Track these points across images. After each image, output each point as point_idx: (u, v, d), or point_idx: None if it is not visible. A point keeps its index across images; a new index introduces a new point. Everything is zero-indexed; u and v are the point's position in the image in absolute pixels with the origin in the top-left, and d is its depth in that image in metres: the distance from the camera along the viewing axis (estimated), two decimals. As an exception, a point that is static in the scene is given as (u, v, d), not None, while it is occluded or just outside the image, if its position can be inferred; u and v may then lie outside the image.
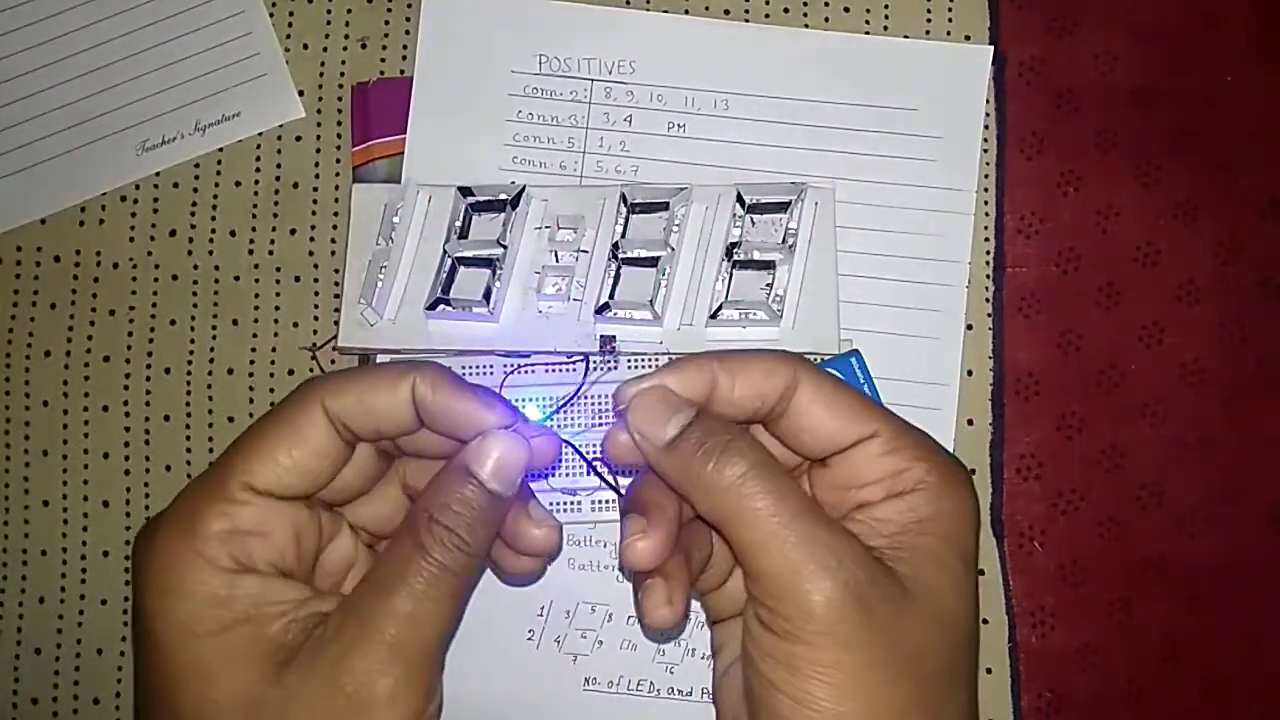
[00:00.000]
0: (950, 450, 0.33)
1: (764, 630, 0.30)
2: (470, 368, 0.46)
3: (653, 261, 0.45)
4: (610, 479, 0.45)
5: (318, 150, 0.48)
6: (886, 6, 0.48)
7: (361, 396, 0.31)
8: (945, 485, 0.32)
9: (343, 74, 0.49)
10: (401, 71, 0.48)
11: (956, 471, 0.32)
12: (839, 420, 0.32)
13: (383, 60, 0.49)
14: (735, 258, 0.45)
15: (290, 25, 0.49)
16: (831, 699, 0.28)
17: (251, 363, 0.48)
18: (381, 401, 0.31)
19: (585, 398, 0.46)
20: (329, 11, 0.49)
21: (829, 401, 0.32)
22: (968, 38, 0.48)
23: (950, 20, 0.48)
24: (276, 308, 0.48)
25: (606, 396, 0.46)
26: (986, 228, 0.47)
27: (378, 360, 0.46)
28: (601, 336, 0.45)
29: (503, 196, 0.45)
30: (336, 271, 0.47)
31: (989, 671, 0.45)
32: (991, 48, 0.48)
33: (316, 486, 0.31)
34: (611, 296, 0.44)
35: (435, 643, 0.29)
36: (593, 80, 0.48)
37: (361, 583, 0.30)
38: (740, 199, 0.45)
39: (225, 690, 0.28)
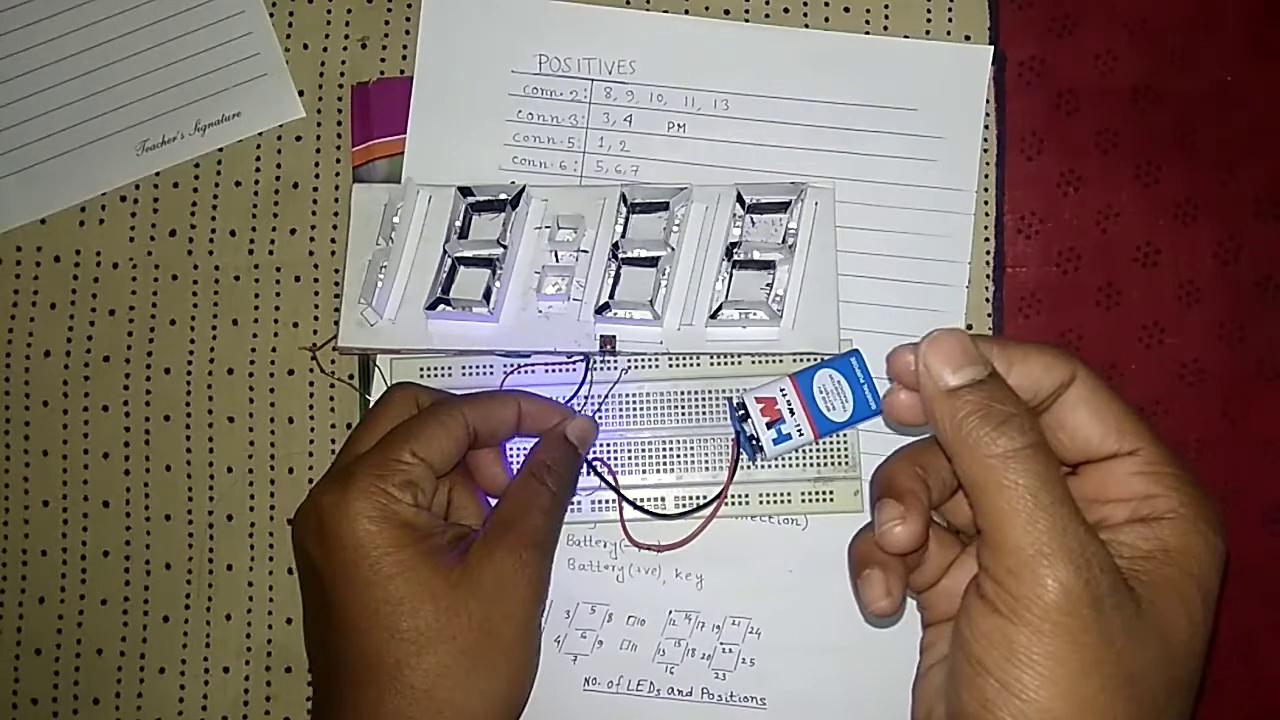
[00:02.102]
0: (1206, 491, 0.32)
1: (986, 609, 0.29)
2: (470, 368, 0.46)
3: (653, 261, 0.45)
4: (610, 479, 0.45)
5: (318, 150, 0.48)
6: (886, 6, 0.48)
7: (490, 410, 0.42)
8: (1198, 521, 0.30)
9: (343, 74, 0.49)
10: (401, 71, 0.48)
11: (1211, 510, 0.31)
12: (1103, 429, 0.32)
13: (383, 60, 0.49)
14: (735, 258, 0.45)
15: (290, 25, 0.49)
16: (1044, 693, 0.27)
17: (251, 363, 0.48)
18: (501, 414, 0.42)
19: (585, 398, 0.46)
20: (329, 11, 0.49)
21: (1098, 407, 0.32)
22: (968, 38, 0.48)
23: (950, 20, 0.48)
24: (276, 308, 0.48)
25: (607, 397, 0.46)
26: (986, 228, 0.47)
27: (378, 360, 0.46)
28: (601, 336, 0.45)
29: (503, 196, 0.45)
30: (336, 271, 0.47)
31: (989, 671, 0.45)
32: (991, 48, 0.48)
33: (448, 466, 0.40)
34: (611, 296, 0.44)
35: (551, 544, 0.41)
36: (593, 80, 0.48)
37: (497, 509, 0.41)
38: (740, 199, 0.45)
39: (420, 583, 0.37)
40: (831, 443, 0.45)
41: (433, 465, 0.39)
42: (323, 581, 0.38)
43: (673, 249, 0.45)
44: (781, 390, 0.44)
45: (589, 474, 0.45)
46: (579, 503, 0.45)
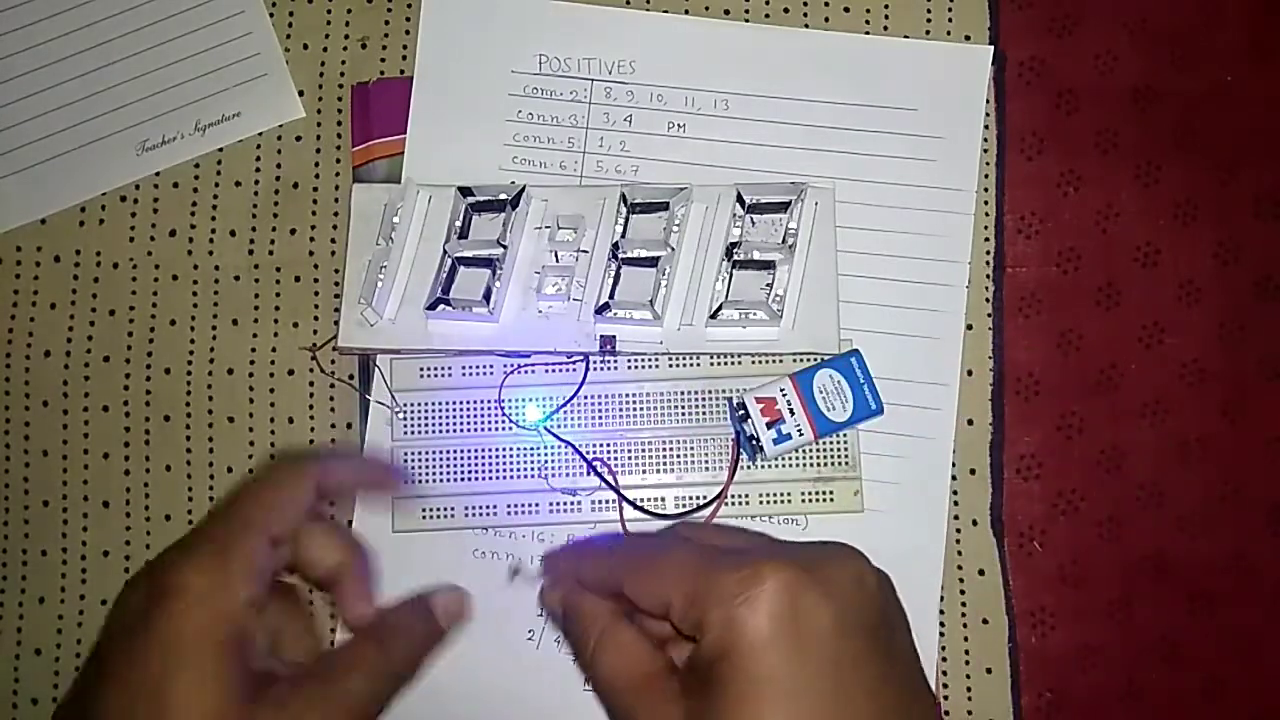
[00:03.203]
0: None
1: None
2: (470, 368, 0.46)
3: (653, 261, 0.45)
4: (610, 479, 0.45)
5: (318, 150, 0.48)
6: (886, 6, 0.48)
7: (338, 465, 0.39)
8: (726, 626, 0.31)
9: (343, 74, 0.49)
10: (401, 71, 0.48)
11: (737, 602, 0.31)
12: (647, 606, 0.34)
13: (383, 60, 0.49)
14: (735, 258, 0.45)
15: (290, 25, 0.49)
16: None
17: (251, 363, 0.48)
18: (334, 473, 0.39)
19: (585, 398, 0.46)
20: (329, 11, 0.49)
21: (639, 597, 0.34)
22: (968, 38, 0.48)
23: (950, 20, 0.48)
24: (276, 308, 0.48)
25: (606, 396, 0.46)
26: (986, 228, 0.47)
27: (377, 360, 0.46)
28: (601, 336, 0.45)
29: (503, 196, 0.45)
30: (336, 271, 0.47)
31: (989, 671, 0.45)
32: (991, 48, 0.48)
33: (287, 528, 0.36)
34: (611, 296, 0.44)
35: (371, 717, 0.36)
36: (593, 80, 0.48)
37: (323, 656, 0.37)
38: (740, 199, 0.45)
39: (204, 709, 0.31)
40: (831, 443, 0.45)
41: (277, 538, 0.35)
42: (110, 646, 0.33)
43: (673, 249, 0.45)
44: (781, 390, 0.44)
45: (589, 474, 0.45)
46: (579, 503, 0.45)
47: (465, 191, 0.46)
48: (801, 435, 0.44)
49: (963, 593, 0.45)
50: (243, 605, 0.33)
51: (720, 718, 0.30)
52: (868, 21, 0.48)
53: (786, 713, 0.30)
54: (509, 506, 0.45)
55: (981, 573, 0.46)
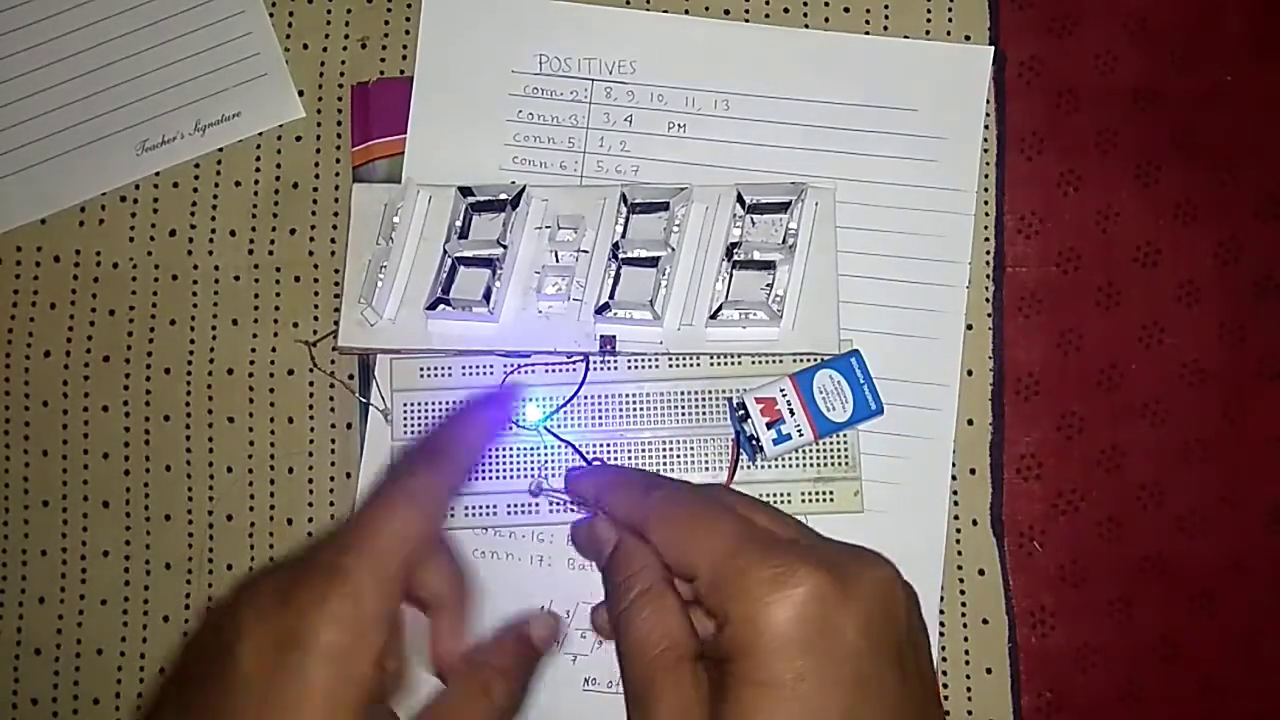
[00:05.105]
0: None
1: None
2: (470, 368, 0.46)
3: (653, 261, 0.45)
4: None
5: (318, 150, 0.48)
6: (886, 6, 0.48)
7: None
8: (754, 622, 0.30)
9: (343, 74, 0.49)
10: (401, 71, 0.48)
11: (769, 600, 0.30)
12: (670, 559, 0.33)
13: (383, 60, 0.49)
14: (735, 258, 0.45)
15: (290, 25, 0.49)
16: None
17: (251, 363, 0.48)
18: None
19: (585, 398, 0.46)
20: (329, 11, 0.49)
21: (665, 543, 0.33)
22: (968, 38, 0.48)
23: (950, 20, 0.48)
24: (276, 308, 0.48)
25: (607, 397, 0.46)
26: (986, 228, 0.47)
27: (377, 360, 0.46)
28: (601, 336, 0.45)
29: (503, 196, 0.45)
30: (336, 271, 0.47)
31: (989, 672, 0.45)
32: (991, 48, 0.48)
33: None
34: (611, 296, 0.44)
35: None
36: (593, 80, 0.48)
37: (422, 713, 0.33)
38: (740, 199, 0.45)
39: None
40: (831, 443, 0.45)
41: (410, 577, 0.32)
42: (221, 681, 0.29)
43: (673, 249, 0.45)
44: (781, 390, 0.44)
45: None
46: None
47: (465, 191, 0.46)
48: (801, 435, 0.44)
49: (963, 593, 0.45)
50: (376, 664, 0.29)
51: (733, 718, 0.29)
52: (868, 21, 0.48)
53: (829, 709, 0.29)
54: (509, 506, 0.45)
55: (981, 573, 0.46)
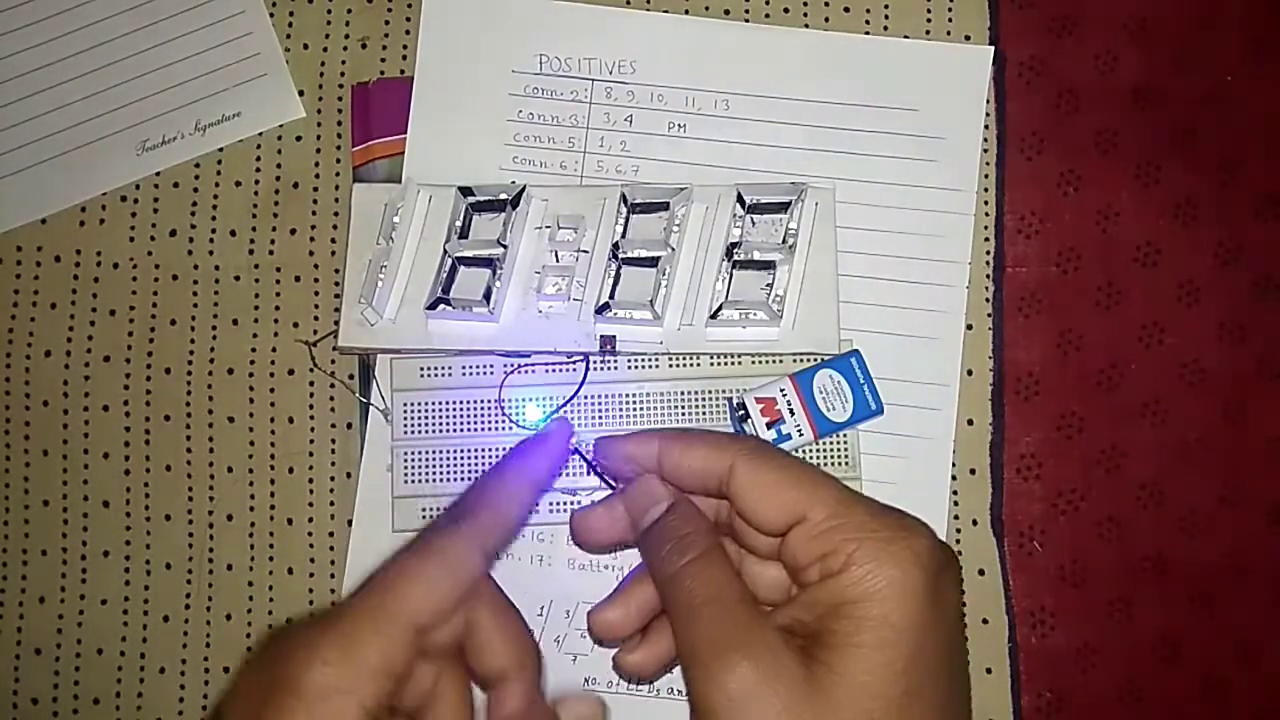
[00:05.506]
0: (910, 515, 0.32)
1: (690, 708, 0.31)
2: (470, 368, 0.46)
3: (653, 261, 0.45)
4: (610, 479, 0.45)
5: (318, 150, 0.48)
6: (886, 6, 0.48)
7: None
8: (879, 564, 0.30)
9: (343, 74, 0.49)
10: (401, 71, 0.48)
11: (900, 545, 0.31)
12: (768, 506, 0.33)
13: (383, 60, 0.49)
14: (735, 258, 0.45)
15: (290, 25, 0.49)
16: None
17: (251, 363, 0.48)
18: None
19: (585, 398, 0.46)
20: (329, 11, 0.49)
21: (761, 486, 0.33)
22: (968, 38, 0.48)
23: (950, 20, 0.48)
24: (276, 308, 0.48)
25: (607, 396, 0.46)
26: (986, 228, 0.47)
27: (377, 360, 0.46)
28: (601, 336, 0.45)
29: (503, 196, 0.45)
30: (336, 271, 0.47)
31: (989, 671, 0.45)
32: (991, 48, 0.48)
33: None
34: (611, 296, 0.44)
35: None
36: (593, 80, 0.48)
37: None
38: (740, 199, 0.45)
39: None
40: (831, 443, 0.45)
41: (424, 626, 0.31)
42: None
43: (673, 249, 0.45)
44: (781, 390, 0.44)
45: (589, 474, 0.45)
46: (579, 502, 0.45)
47: (465, 191, 0.46)
48: (801, 435, 0.44)
49: (963, 593, 0.45)
50: (368, 710, 0.29)
51: (853, 663, 0.29)
52: (868, 21, 0.48)
53: (924, 671, 0.30)
54: (509, 506, 0.45)
55: (981, 573, 0.46)
